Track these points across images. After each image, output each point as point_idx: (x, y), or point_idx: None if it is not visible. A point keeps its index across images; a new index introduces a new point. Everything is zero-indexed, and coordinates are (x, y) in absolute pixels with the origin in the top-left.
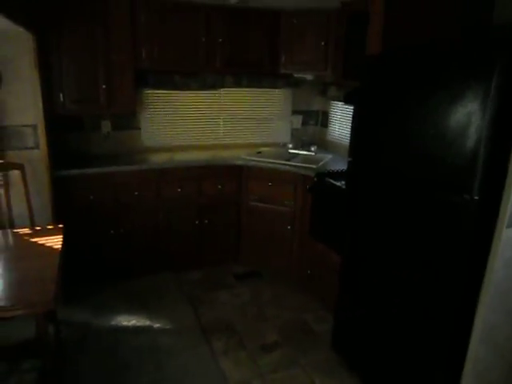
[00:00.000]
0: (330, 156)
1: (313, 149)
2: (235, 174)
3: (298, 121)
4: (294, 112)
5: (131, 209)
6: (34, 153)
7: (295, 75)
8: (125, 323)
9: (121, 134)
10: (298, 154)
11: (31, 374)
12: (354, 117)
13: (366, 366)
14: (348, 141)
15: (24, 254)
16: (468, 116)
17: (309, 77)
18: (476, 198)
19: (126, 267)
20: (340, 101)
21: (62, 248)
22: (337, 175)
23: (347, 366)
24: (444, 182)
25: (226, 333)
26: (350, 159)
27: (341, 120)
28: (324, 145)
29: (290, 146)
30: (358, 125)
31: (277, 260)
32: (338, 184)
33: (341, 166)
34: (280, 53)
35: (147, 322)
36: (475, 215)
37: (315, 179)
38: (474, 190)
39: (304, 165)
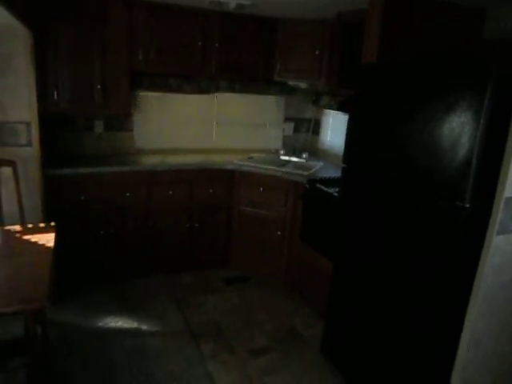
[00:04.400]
0: (321, 163)
1: (304, 156)
2: (227, 178)
3: (289, 128)
4: (287, 119)
5: (122, 210)
6: (27, 150)
7: (289, 83)
8: (113, 325)
9: (113, 135)
10: (289, 160)
11: (19, 373)
12: (348, 124)
13: (356, 372)
14: (339, 149)
15: (15, 251)
16: (461, 125)
17: (302, 85)
18: (467, 205)
19: (116, 268)
20: (332, 109)
21: (54, 246)
22: (328, 182)
23: (336, 371)
24: (437, 189)
25: (214, 336)
26: (344, 166)
27: (332, 128)
28: (315, 152)
29: (282, 152)
30: (353, 132)
31: (266, 265)
32: (330, 191)
33: (332, 173)
34: (275, 60)
35: (136, 325)
36: (466, 222)
37: (307, 186)
38: (466, 197)
39: (295, 171)
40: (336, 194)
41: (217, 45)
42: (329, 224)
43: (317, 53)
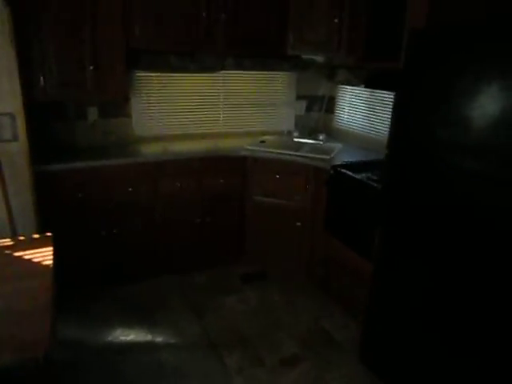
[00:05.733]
0: (339, 145)
1: (321, 137)
2: (238, 166)
3: (301, 107)
4: (298, 97)
5: (125, 207)
6: (13, 146)
7: (303, 57)
8: (123, 338)
9: (109, 123)
10: (305, 143)
11: None
12: (395, 103)
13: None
14: (358, 129)
15: (5, 274)
16: None
17: (319, 59)
18: None
19: (122, 272)
20: (352, 85)
21: (53, 265)
22: (355, 167)
23: (382, 382)
24: None
25: (238, 346)
26: (387, 152)
27: (350, 106)
28: (330, 133)
29: (295, 134)
30: (401, 112)
31: (285, 259)
32: (358, 177)
33: (354, 156)
34: (288, 32)
35: (149, 337)
36: None
37: (332, 172)
38: None
39: (316, 156)
40: (367, 181)
41: (223, 15)
42: (359, 214)
43: (335, 21)
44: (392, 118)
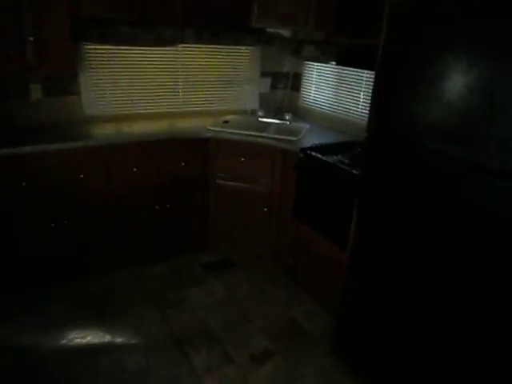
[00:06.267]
0: (307, 125)
1: (287, 117)
2: (200, 148)
3: (266, 84)
4: (262, 74)
5: (76, 196)
6: None
7: (268, 30)
8: (80, 341)
9: (55, 101)
10: (270, 123)
11: None
12: (375, 84)
13: (383, 377)
14: (326, 108)
15: None
16: None
17: (285, 33)
18: None
19: (75, 266)
20: (320, 61)
21: None
22: (325, 150)
23: (356, 375)
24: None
25: (205, 342)
26: (367, 136)
27: (317, 84)
28: (296, 112)
29: (260, 113)
30: (381, 94)
31: (252, 247)
32: (330, 160)
33: (323, 137)
34: (253, 2)
35: (109, 338)
36: None
37: (301, 155)
38: None
39: (283, 137)
40: (339, 165)
41: None
42: (331, 199)
43: None
44: (371, 100)
